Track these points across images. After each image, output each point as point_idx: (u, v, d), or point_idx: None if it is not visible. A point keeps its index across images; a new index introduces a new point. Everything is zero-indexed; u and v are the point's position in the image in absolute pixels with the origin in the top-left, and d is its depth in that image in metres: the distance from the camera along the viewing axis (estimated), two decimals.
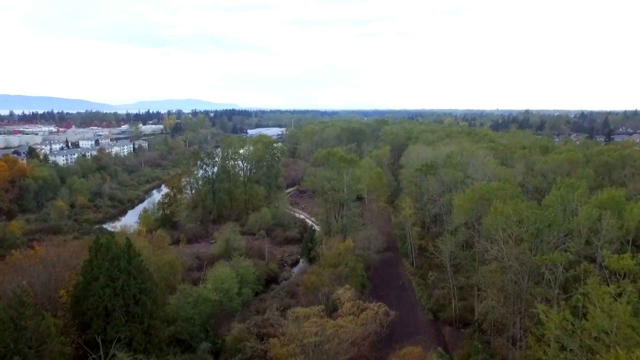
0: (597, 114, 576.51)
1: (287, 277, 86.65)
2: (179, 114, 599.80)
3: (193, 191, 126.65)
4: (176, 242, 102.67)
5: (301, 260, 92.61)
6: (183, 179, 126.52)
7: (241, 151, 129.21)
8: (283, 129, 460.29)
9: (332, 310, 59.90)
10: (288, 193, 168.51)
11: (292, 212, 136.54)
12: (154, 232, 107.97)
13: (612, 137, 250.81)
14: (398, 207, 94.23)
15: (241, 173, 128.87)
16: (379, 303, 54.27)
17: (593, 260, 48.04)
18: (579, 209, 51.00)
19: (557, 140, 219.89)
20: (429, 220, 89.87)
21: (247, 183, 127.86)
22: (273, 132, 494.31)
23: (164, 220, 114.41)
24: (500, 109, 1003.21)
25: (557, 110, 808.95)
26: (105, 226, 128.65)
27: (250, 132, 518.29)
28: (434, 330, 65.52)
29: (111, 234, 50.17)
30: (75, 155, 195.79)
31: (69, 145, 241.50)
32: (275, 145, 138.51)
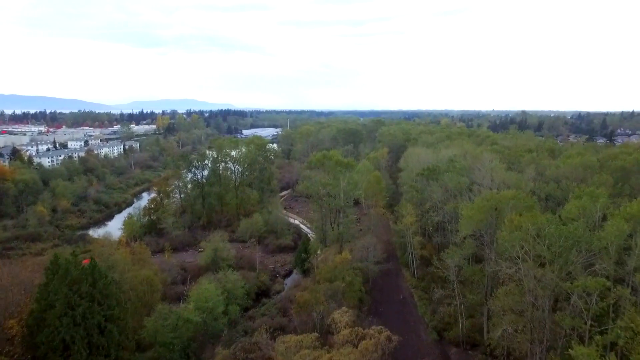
0: (594, 115, 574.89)
1: (280, 290, 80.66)
2: (173, 114, 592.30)
3: (182, 195, 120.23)
4: (162, 250, 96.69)
5: (295, 271, 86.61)
6: (171, 183, 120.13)
7: (233, 153, 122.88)
8: (278, 130, 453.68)
9: (327, 332, 54.10)
10: (282, 196, 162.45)
11: (286, 218, 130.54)
12: (138, 240, 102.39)
13: (614, 138, 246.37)
14: (398, 213, 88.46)
15: (232, 176, 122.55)
16: (379, 327, 48.35)
17: (623, 282, 42.37)
18: (605, 223, 45.27)
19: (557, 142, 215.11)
20: (431, 228, 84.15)
21: (239, 187, 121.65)
22: (268, 132, 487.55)
23: (150, 227, 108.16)
24: (496, 109, 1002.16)
25: (553, 111, 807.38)
26: (89, 232, 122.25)
27: (245, 132, 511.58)
28: (439, 352, 59.75)
29: (74, 252, 43.58)
30: (62, 157, 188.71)
31: (57, 146, 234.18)
32: (268, 146, 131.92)
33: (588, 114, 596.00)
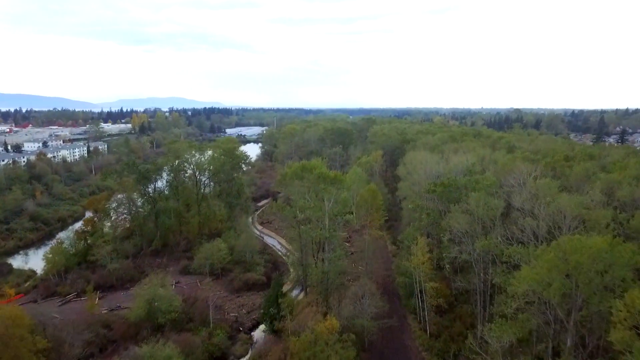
0: (587, 112, 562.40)
1: (241, 355, 58.21)
2: (154, 112, 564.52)
3: (131, 213, 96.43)
4: (95, 289, 73.52)
5: (263, 326, 63.89)
6: (114, 199, 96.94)
7: (194, 159, 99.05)
8: (265, 128, 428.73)
9: None
10: (261, 207, 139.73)
11: (261, 237, 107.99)
12: (63, 275, 78.87)
13: (626, 138, 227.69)
14: (402, 244, 66.88)
15: (195, 188, 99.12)
16: None
17: None
18: None
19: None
20: (448, 266, 62.26)
21: (202, 200, 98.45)
22: (253, 131, 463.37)
23: (83, 256, 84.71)
24: (485, 107, 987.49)
25: (542, 109, 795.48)
26: (12, 260, 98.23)
27: (229, 131, 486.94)
28: None
29: None
30: (5, 162, 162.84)
31: (8, 148, 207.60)
32: (238, 151, 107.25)
33: (582, 112, 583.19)
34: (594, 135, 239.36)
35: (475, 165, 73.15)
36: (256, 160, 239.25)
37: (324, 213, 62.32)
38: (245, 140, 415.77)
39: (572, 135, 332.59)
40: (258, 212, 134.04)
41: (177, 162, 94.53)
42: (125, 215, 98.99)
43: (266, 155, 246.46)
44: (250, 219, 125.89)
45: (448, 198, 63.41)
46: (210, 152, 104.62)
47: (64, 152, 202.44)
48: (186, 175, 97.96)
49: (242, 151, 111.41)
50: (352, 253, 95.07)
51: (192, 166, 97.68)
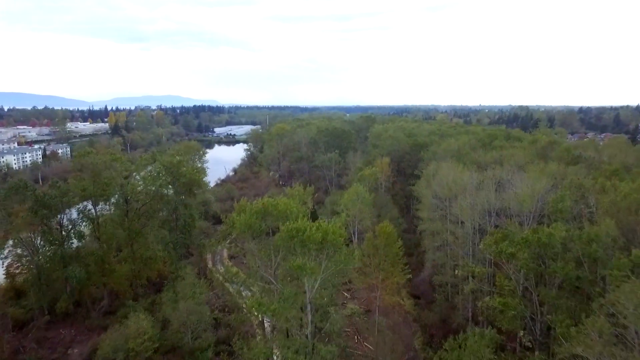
0: (596, 109, 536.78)
1: None
2: (133, 110, 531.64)
3: (25, 259, 65.27)
4: None
5: None
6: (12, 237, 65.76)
7: (121, 180, 67.86)
8: (257, 127, 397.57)
9: None
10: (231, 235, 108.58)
11: (223, 287, 77.31)
12: None
13: None
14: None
15: (125, 222, 67.88)
16: None
17: None
18: None
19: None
20: None
21: (136, 238, 67.42)
22: (244, 130, 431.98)
23: None
24: (483, 104, 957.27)
25: (541, 106, 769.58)
26: None
27: (218, 130, 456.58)
28: None
29: None
30: None
31: None
32: (184, 169, 73.18)
33: (589, 109, 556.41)
34: (629, 136, 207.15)
35: (566, 197, 42.62)
36: (240, 165, 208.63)
37: (305, 304, 31.76)
38: (235, 141, 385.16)
39: (590, 134, 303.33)
40: (229, 240, 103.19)
41: (93, 184, 63.40)
42: (28, 257, 68.01)
43: (252, 160, 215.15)
44: (219, 247, 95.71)
45: (539, 270, 33.09)
46: (141, 173, 73.40)
47: (9, 158, 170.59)
48: (111, 202, 66.99)
49: (195, 167, 79.94)
50: (350, 313, 65.50)
51: (120, 190, 66.50)
